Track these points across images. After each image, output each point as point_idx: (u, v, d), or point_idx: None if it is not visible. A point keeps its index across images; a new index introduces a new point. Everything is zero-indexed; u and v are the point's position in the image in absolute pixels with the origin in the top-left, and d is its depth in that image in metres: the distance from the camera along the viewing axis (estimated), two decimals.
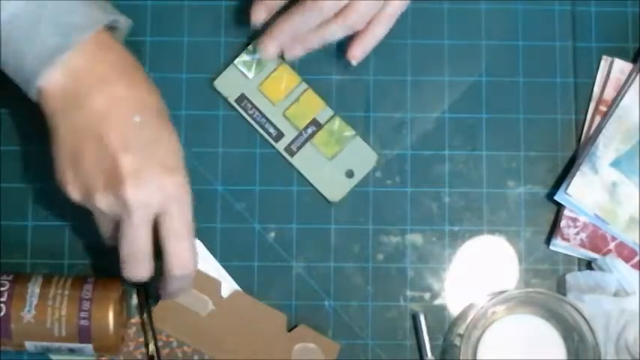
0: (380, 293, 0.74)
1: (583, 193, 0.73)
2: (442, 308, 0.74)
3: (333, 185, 0.75)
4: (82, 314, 0.67)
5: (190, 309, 0.72)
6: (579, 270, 0.74)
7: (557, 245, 0.74)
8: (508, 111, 0.76)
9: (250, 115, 0.75)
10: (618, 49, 0.76)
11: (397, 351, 0.73)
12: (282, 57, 0.74)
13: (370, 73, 0.76)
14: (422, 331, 0.73)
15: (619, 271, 0.72)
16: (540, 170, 0.75)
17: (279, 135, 0.75)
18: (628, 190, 0.73)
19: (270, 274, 0.74)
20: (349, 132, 0.75)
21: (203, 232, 0.73)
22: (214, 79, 0.76)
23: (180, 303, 0.72)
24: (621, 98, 0.74)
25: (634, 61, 0.76)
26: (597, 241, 0.73)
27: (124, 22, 0.67)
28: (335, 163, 0.75)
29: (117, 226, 0.64)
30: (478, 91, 0.76)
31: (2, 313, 0.67)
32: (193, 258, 0.65)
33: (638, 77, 0.75)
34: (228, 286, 0.73)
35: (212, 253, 0.73)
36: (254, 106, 0.75)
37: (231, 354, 0.72)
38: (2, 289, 0.67)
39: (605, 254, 0.73)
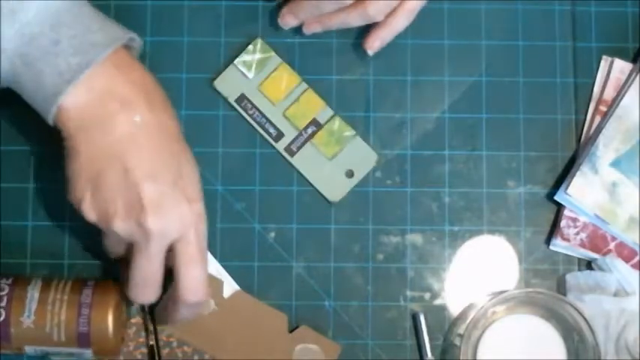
0: (380, 293, 0.74)
1: (583, 193, 0.73)
2: (442, 308, 0.74)
3: (333, 185, 0.75)
4: (82, 320, 0.67)
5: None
6: (579, 270, 0.74)
7: (557, 245, 0.74)
8: (508, 111, 0.76)
9: (250, 115, 0.75)
10: (618, 49, 0.76)
11: (397, 351, 0.73)
12: (282, 58, 0.74)
13: (370, 73, 0.76)
14: (422, 331, 0.73)
15: (619, 271, 0.72)
16: (540, 170, 0.75)
17: (279, 135, 0.75)
18: (628, 190, 0.73)
19: (270, 274, 0.74)
20: (349, 132, 0.75)
21: None
22: (214, 79, 0.76)
23: None
24: (621, 98, 0.74)
25: (634, 61, 0.76)
26: (597, 241, 0.73)
27: (138, 41, 0.67)
28: (335, 163, 0.75)
29: (128, 247, 0.65)
30: (478, 91, 0.76)
31: (2, 318, 0.67)
32: (205, 285, 0.65)
33: (638, 77, 0.75)
34: (229, 286, 0.73)
35: (212, 253, 0.73)
36: (254, 106, 0.75)
37: (233, 354, 0.72)
38: (2, 293, 0.67)
39: (605, 254, 0.73)
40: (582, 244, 0.73)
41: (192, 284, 0.64)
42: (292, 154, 0.75)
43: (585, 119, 0.76)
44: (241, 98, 0.75)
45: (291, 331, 0.72)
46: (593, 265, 0.74)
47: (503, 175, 0.75)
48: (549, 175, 0.75)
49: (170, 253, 0.64)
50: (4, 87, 0.65)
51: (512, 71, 0.76)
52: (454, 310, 0.74)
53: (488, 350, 0.71)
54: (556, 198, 0.74)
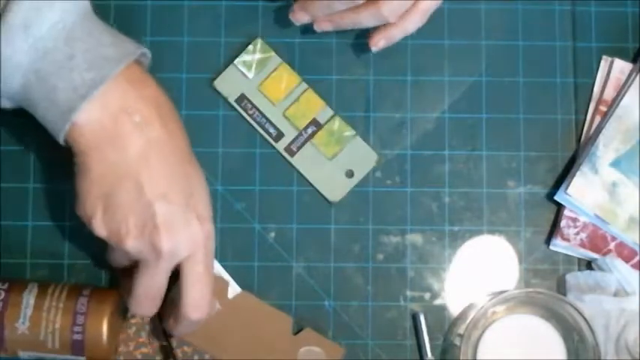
0: (380, 293, 0.74)
1: (583, 193, 0.73)
2: (442, 308, 0.74)
3: (333, 185, 0.75)
4: (76, 328, 0.67)
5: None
6: (579, 270, 0.74)
7: (557, 245, 0.74)
8: (508, 111, 0.76)
9: (250, 115, 0.75)
10: (618, 49, 0.76)
11: (397, 351, 0.73)
12: (282, 58, 0.74)
13: (370, 73, 0.76)
14: (422, 331, 0.73)
15: (619, 271, 0.72)
16: (540, 170, 0.75)
17: (279, 135, 0.75)
18: (628, 190, 0.73)
19: (270, 274, 0.74)
20: (349, 132, 0.75)
21: None
22: (214, 79, 0.76)
23: None
24: (621, 98, 0.74)
25: (634, 61, 0.76)
26: (597, 241, 0.73)
27: (149, 55, 0.66)
28: (335, 163, 0.75)
29: (132, 260, 0.65)
30: (478, 91, 0.76)
31: None
32: (208, 304, 0.65)
33: (638, 77, 0.75)
34: (230, 288, 0.73)
35: None
36: (254, 106, 0.75)
37: (236, 355, 0.72)
38: None
39: (605, 254, 0.73)
40: (582, 244, 0.73)
41: (195, 303, 0.64)
42: (292, 154, 0.75)
43: (585, 119, 0.76)
44: (241, 98, 0.75)
45: (295, 333, 0.72)
46: (593, 265, 0.74)
47: (503, 175, 0.75)
48: (549, 175, 0.75)
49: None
50: (15, 107, 0.64)
51: (512, 71, 0.76)
52: (454, 310, 0.74)
53: (488, 350, 0.71)
54: (556, 198, 0.74)
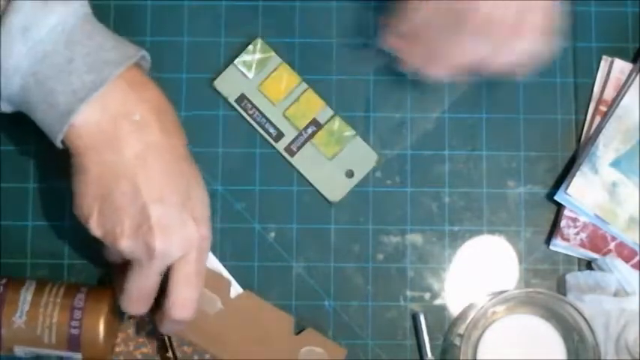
0: (380, 293, 0.74)
1: (583, 193, 0.73)
2: (442, 308, 0.74)
3: (333, 185, 0.75)
4: (73, 323, 0.67)
5: (199, 307, 0.72)
6: (579, 270, 0.74)
7: (557, 245, 0.74)
8: (508, 111, 0.76)
9: (250, 115, 0.75)
10: (618, 49, 0.76)
11: (397, 351, 0.73)
12: (281, 57, 0.74)
13: (370, 73, 0.76)
14: (422, 331, 0.73)
15: (619, 271, 0.72)
16: (540, 170, 0.75)
17: (279, 135, 0.75)
18: (628, 190, 0.73)
19: (270, 274, 0.74)
20: (349, 132, 0.75)
21: None
22: (214, 79, 0.76)
23: None
24: (621, 98, 0.74)
25: (634, 61, 0.76)
26: (597, 241, 0.73)
27: (148, 59, 0.66)
28: (335, 163, 0.75)
29: (127, 260, 0.65)
30: (478, 91, 0.76)
31: None
32: (194, 306, 0.65)
33: (638, 77, 0.75)
34: (232, 288, 0.73)
35: (212, 253, 0.73)
36: (254, 106, 0.75)
37: (237, 354, 0.72)
38: None
39: (605, 254, 0.73)
40: (582, 244, 0.73)
41: (181, 303, 0.65)
42: (292, 154, 0.75)
43: (585, 119, 0.76)
44: (241, 98, 0.75)
45: (296, 333, 0.72)
46: (593, 265, 0.74)
47: (504, 175, 0.75)
48: (549, 175, 0.75)
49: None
50: (14, 111, 0.64)
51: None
52: (454, 310, 0.74)
53: (488, 350, 0.71)
54: (556, 198, 0.74)
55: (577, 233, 0.73)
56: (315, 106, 0.75)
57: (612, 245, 0.73)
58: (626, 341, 0.71)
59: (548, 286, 0.74)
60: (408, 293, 0.74)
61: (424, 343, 0.73)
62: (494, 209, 0.75)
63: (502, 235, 0.75)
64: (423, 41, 0.66)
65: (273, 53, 0.76)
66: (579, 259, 0.74)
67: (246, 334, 0.72)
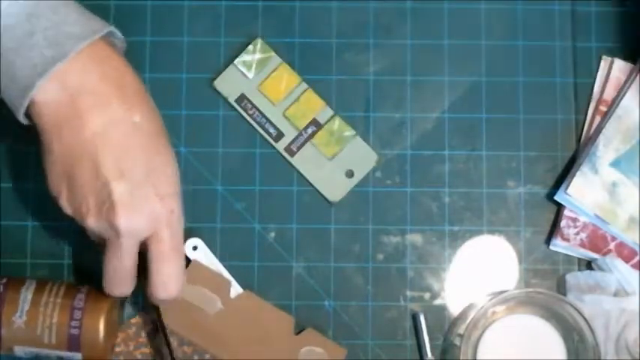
0: (380, 293, 0.74)
1: (583, 193, 0.73)
2: (442, 308, 0.74)
3: (333, 185, 0.75)
4: (73, 323, 0.67)
5: (199, 307, 0.72)
6: (579, 270, 0.74)
7: (557, 245, 0.74)
8: (508, 111, 0.76)
9: (250, 115, 0.75)
10: (618, 49, 0.76)
11: (397, 351, 0.73)
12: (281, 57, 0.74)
13: (370, 73, 0.76)
14: (422, 331, 0.73)
15: (619, 271, 0.72)
16: (540, 170, 0.75)
17: (279, 135, 0.75)
18: (628, 190, 0.73)
19: (270, 274, 0.74)
20: (349, 132, 0.75)
21: (203, 232, 0.73)
22: (214, 79, 0.76)
23: (188, 301, 0.72)
24: (621, 98, 0.74)
25: (634, 61, 0.76)
26: (597, 241, 0.73)
27: (120, 36, 0.66)
28: (335, 163, 0.75)
29: (104, 239, 0.65)
30: (478, 91, 0.76)
31: None
32: (178, 282, 0.65)
33: (638, 77, 0.75)
34: (232, 288, 0.73)
35: (212, 253, 0.73)
36: (254, 106, 0.75)
37: (237, 354, 0.72)
38: None
39: (605, 254, 0.73)
40: (582, 244, 0.73)
41: (163, 281, 0.64)
42: (292, 154, 0.75)
43: (585, 119, 0.76)
44: (241, 98, 0.75)
45: (297, 333, 0.72)
46: (593, 265, 0.74)
47: (503, 175, 0.75)
48: (549, 175, 0.75)
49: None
50: None
51: (512, 71, 0.76)
52: (454, 310, 0.74)
53: (488, 350, 0.71)
54: (556, 198, 0.74)
55: (577, 233, 0.73)
56: (315, 106, 0.75)
57: (612, 245, 0.73)
58: (626, 341, 0.71)
59: (548, 286, 0.74)
60: (408, 293, 0.74)
61: (424, 343, 0.73)
62: (494, 209, 0.75)
63: (502, 235, 0.75)
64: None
65: (273, 53, 0.76)
66: (579, 259, 0.74)
67: (246, 334, 0.72)
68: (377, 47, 0.76)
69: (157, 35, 0.76)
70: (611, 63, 0.76)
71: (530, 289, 0.72)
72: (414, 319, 0.73)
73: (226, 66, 0.76)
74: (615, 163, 0.73)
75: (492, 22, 0.77)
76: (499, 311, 0.72)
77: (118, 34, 0.65)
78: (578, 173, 0.73)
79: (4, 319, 0.67)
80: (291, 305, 0.73)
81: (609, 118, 0.74)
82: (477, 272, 0.74)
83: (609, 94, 0.75)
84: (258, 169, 0.75)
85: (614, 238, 0.73)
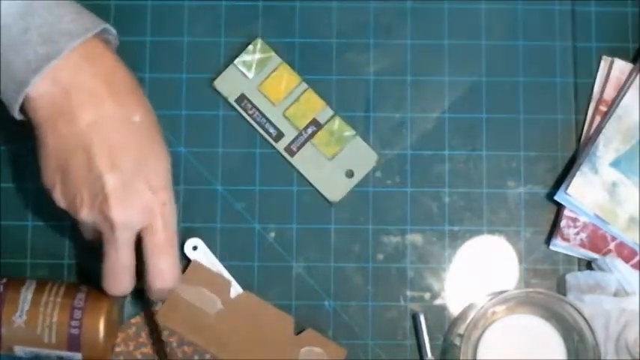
0: (380, 293, 0.74)
1: (583, 193, 0.73)
2: (442, 308, 0.74)
3: (333, 185, 0.75)
4: (73, 323, 0.67)
5: (198, 307, 0.72)
6: (579, 270, 0.74)
7: (557, 245, 0.74)
8: (508, 111, 0.76)
9: (250, 115, 0.75)
10: (618, 49, 0.76)
11: (397, 351, 0.73)
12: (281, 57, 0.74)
13: (370, 73, 0.76)
14: (422, 331, 0.73)
15: (619, 271, 0.72)
16: (540, 170, 0.75)
17: (279, 135, 0.75)
18: (628, 190, 0.73)
19: (270, 274, 0.74)
20: (349, 132, 0.75)
21: (203, 232, 0.74)
22: (214, 79, 0.76)
23: (188, 301, 0.72)
24: (621, 98, 0.74)
25: (634, 61, 0.76)
26: (597, 241, 0.73)
27: (114, 33, 0.66)
28: (335, 163, 0.75)
29: (100, 234, 0.65)
30: (478, 91, 0.76)
31: None
32: (174, 273, 0.66)
33: (638, 77, 0.75)
34: (232, 288, 0.73)
35: (212, 253, 0.73)
36: (254, 106, 0.75)
37: (237, 354, 0.72)
38: None
39: (605, 254, 0.73)
40: (582, 244, 0.73)
41: (158, 273, 0.65)
42: (292, 154, 0.75)
43: (585, 119, 0.76)
44: (241, 98, 0.75)
45: (297, 333, 0.72)
46: (593, 265, 0.74)
47: (504, 175, 0.75)
48: (549, 175, 0.75)
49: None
50: None
51: (512, 71, 0.76)
52: (454, 310, 0.74)
53: (488, 350, 0.71)
54: (556, 198, 0.74)
55: (577, 233, 0.73)
56: (315, 106, 0.75)
57: (612, 245, 0.73)
58: (626, 341, 0.71)
59: (548, 286, 0.74)
60: (408, 293, 0.74)
61: (424, 343, 0.73)
62: (494, 209, 0.75)
63: (502, 235, 0.75)
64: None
65: (273, 53, 0.76)
66: (579, 259, 0.74)
67: (246, 335, 0.72)
68: (377, 47, 0.76)
69: (157, 35, 0.76)
70: (611, 63, 0.76)
71: (530, 289, 0.72)
72: (414, 319, 0.73)
73: (226, 66, 0.76)
74: (615, 163, 0.73)
75: (492, 22, 0.77)
76: (499, 311, 0.72)
77: (112, 30, 0.66)
78: (578, 173, 0.73)
79: (4, 319, 0.67)
80: (291, 305, 0.73)
81: (609, 118, 0.74)
82: (477, 272, 0.74)
83: (609, 94, 0.75)
84: (258, 169, 0.75)
85: (614, 238, 0.73)
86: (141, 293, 0.70)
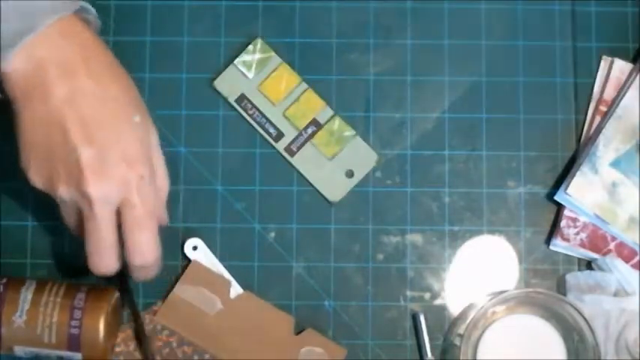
0: (380, 293, 0.74)
1: (583, 193, 0.73)
2: (442, 308, 0.74)
3: (333, 185, 0.75)
4: (73, 322, 0.67)
5: (198, 307, 0.72)
6: (579, 270, 0.74)
7: (557, 245, 0.74)
8: (508, 111, 0.76)
9: (250, 115, 0.75)
10: (618, 49, 0.76)
11: (397, 351, 0.73)
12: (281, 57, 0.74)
13: (370, 73, 0.76)
14: (422, 331, 0.73)
15: (619, 270, 0.72)
16: (540, 170, 0.75)
17: (279, 135, 0.75)
18: (628, 190, 0.73)
19: (270, 274, 0.74)
20: (349, 132, 0.75)
21: (203, 232, 0.74)
22: (214, 79, 0.76)
23: (188, 301, 0.72)
24: (621, 98, 0.74)
25: (634, 61, 0.76)
26: (597, 241, 0.73)
27: (93, 12, 0.66)
28: (335, 163, 0.75)
29: (81, 215, 0.64)
30: (478, 91, 0.76)
31: None
32: (153, 249, 0.65)
33: (638, 77, 0.75)
34: (232, 289, 0.73)
35: (212, 253, 0.73)
36: (254, 106, 0.75)
37: (237, 354, 0.72)
38: None
39: (605, 254, 0.73)
40: (582, 244, 0.73)
41: (137, 249, 0.64)
42: (292, 154, 0.75)
43: (585, 119, 0.76)
44: (241, 98, 0.75)
45: (297, 333, 0.72)
46: (593, 265, 0.74)
47: (504, 175, 0.75)
48: (549, 175, 0.75)
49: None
50: None
51: (512, 71, 0.76)
52: (454, 310, 0.74)
53: (488, 350, 0.71)
54: (556, 198, 0.74)
55: (577, 233, 0.73)
56: (315, 106, 0.75)
57: (612, 245, 0.73)
58: (626, 341, 0.71)
59: (548, 286, 0.74)
60: (408, 293, 0.74)
61: (424, 343, 0.73)
62: (494, 209, 0.75)
63: (502, 235, 0.75)
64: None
65: (273, 53, 0.76)
66: (579, 259, 0.74)
67: (246, 335, 0.72)
68: (377, 47, 0.76)
69: (157, 35, 0.76)
70: (611, 63, 0.76)
71: (530, 289, 0.72)
72: (414, 319, 0.73)
73: (226, 66, 0.76)
74: (615, 163, 0.73)
75: (492, 22, 0.77)
76: (499, 311, 0.72)
77: (92, 10, 0.66)
78: (578, 173, 0.73)
79: (4, 319, 0.67)
80: (291, 305, 0.73)
81: (609, 118, 0.74)
82: (477, 272, 0.74)
83: (609, 94, 0.75)
84: (258, 169, 0.75)
85: (614, 238, 0.73)
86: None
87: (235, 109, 0.75)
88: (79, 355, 0.68)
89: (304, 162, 0.75)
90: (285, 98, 0.76)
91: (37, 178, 0.64)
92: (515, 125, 0.76)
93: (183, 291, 0.72)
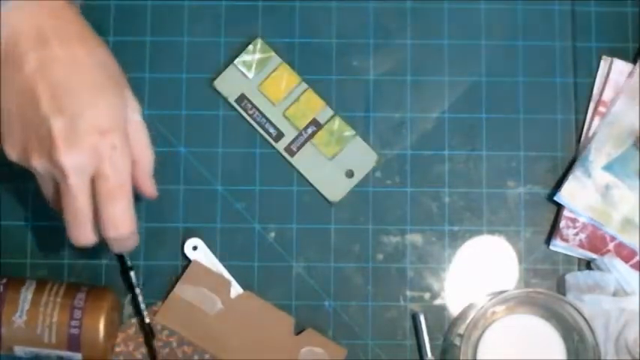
0: (380, 293, 0.74)
1: (575, 197, 0.73)
2: (442, 308, 0.74)
3: (333, 185, 0.75)
4: (73, 322, 0.67)
5: (198, 307, 0.72)
6: (579, 270, 0.74)
7: (557, 245, 0.74)
8: (508, 111, 0.76)
9: (250, 115, 0.75)
10: (618, 49, 0.76)
11: (397, 351, 0.73)
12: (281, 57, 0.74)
13: (370, 73, 0.76)
14: (422, 331, 0.73)
15: (618, 271, 0.72)
16: (540, 170, 0.75)
17: (279, 135, 0.75)
18: (621, 192, 0.73)
19: (270, 274, 0.74)
20: (349, 132, 0.75)
21: (203, 232, 0.74)
22: (214, 79, 0.76)
23: (188, 301, 0.72)
24: (613, 104, 0.74)
25: (634, 61, 0.76)
26: (596, 241, 0.73)
27: None
28: (335, 163, 0.75)
29: (58, 188, 0.64)
30: (478, 91, 0.76)
31: None
32: (127, 221, 0.64)
33: (629, 83, 0.75)
34: (232, 289, 0.73)
35: (212, 253, 0.73)
36: (254, 106, 0.75)
37: (237, 354, 0.72)
38: None
39: (604, 254, 0.73)
40: (581, 245, 0.73)
41: (112, 221, 0.63)
42: (292, 154, 0.75)
43: (585, 119, 0.76)
44: (241, 98, 0.75)
45: (297, 333, 0.72)
46: (592, 265, 0.74)
47: (503, 175, 0.75)
48: (549, 175, 0.75)
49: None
50: None
51: (512, 71, 0.76)
52: (454, 310, 0.74)
53: (488, 350, 0.71)
54: (555, 198, 0.74)
55: (576, 234, 0.73)
56: (315, 106, 0.75)
57: (611, 246, 0.73)
58: (625, 341, 0.71)
59: (548, 286, 0.74)
60: (408, 293, 0.74)
61: (424, 343, 0.73)
62: (494, 209, 0.75)
63: (502, 235, 0.75)
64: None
65: (273, 53, 0.76)
66: (579, 259, 0.74)
67: (246, 335, 0.72)
68: (377, 47, 0.76)
69: (157, 35, 0.76)
70: (611, 63, 0.76)
71: (530, 289, 0.72)
72: (414, 319, 0.73)
73: (226, 66, 0.76)
74: (608, 167, 0.73)
75: (492, 22, 0.77)
76: (499, 311, 0.72)
77: None
78: (570, 177, 0.73)
79: (4, 319, 0.67)
80: (291, 305, 0.73)
81: (601, 125, 0.74)
82: (477, 272, 0.74)
83: (608, 95, 0.75)
84: (258, 169, 0.75)
85: (613, 239, 0.73)
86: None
87: (235, 109, 0.75)
88: (79, 355, 0.68)
89: (304, 162, 0.75)
90: (285, 98, 0.76)
91: (11, 151, 0.63)
92: (515, 125, 0.76)
93: (183, 291, 0.72)
